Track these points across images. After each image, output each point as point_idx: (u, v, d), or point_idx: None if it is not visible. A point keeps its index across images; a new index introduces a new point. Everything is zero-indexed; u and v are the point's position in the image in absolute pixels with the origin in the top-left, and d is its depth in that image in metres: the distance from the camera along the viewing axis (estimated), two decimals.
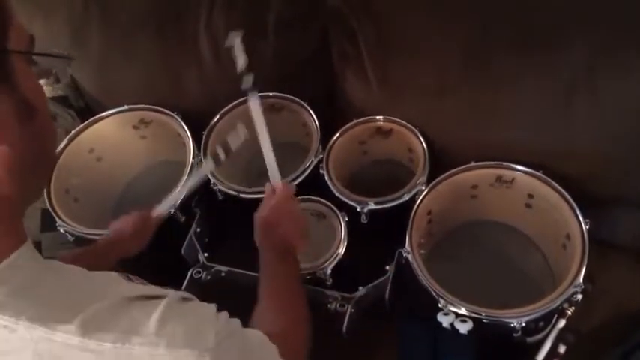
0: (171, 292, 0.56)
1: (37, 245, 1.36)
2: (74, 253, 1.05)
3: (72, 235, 1.20)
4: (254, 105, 1.02)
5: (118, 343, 0.49)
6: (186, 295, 0.59)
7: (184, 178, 1.21)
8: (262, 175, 1.21)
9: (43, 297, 0.50)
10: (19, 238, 0.52)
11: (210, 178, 1.25)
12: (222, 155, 1.04)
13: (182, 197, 1.18)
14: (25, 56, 0.53)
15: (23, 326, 0.48)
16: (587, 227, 1.00)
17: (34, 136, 0.53)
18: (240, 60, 0.98)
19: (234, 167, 1.38)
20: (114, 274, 0.60)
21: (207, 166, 1.13)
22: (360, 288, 1.11)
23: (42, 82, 1.46)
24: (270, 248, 0.91)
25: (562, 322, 1.01)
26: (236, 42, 0.99)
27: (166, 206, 1.14)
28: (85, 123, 1.39)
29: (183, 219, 1.24)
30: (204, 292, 1.16)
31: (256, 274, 1.15)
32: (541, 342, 1.02)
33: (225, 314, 0.60)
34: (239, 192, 1.22)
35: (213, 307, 0.59)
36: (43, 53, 0.55)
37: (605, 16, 1.02)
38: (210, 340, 0.52)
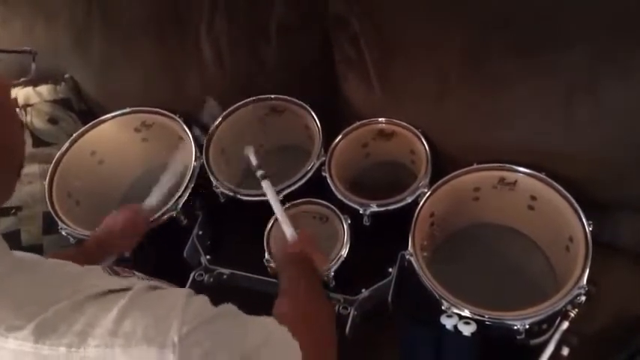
0: (138, 283, 0.53)
1: (39, 248, 1.36)
2: (66, 253, 1.04)
3: (74, 237, 1.20)
4: (268, 191, 1.12)
5: (73, 347, 0.46)
6: (156, 283, 0.55)
7: (170, 170, 1.21)
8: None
9: (5, 300, 0.48)
10: None
11: (213, 180, 1.25)
12: (197, 132, 1.15)
13: (168, 188, 1.18)
14: None
15: None
16: (591, 229, 1.00)
17: None
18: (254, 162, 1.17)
19: (236, 170, 1.38)
20: (94, 268, 0.57)
21: (186, 150, 1.16)
22: (363, 290, 1.11)
23: (43, 86, 1.47)
24: (290, 262, 0.95)
25: (565, 325, 1.01)
26: (250, 152, 1.18)
27: (154, 198, 1.14)
28: (86, 126, 1.39)
29: (185, 222, 1.24)
30: (206, 294, 1.16)
31: (258, 277, 1.16)
32: (544, 344, 1.02)
33: (201, 299, 0.55)
34: (241, 194, 1.22)
35: (183, 293, 0.54)
36: (2, 50, 0.54)
37: (605, 18, 1.02)
38: (173, 334, 0.47)
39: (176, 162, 1.20)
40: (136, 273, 0.64)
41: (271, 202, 1.10)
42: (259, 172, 1.14)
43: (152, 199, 1.15)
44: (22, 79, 1.42)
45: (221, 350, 0.51)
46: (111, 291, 0.51)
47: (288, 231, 1.04)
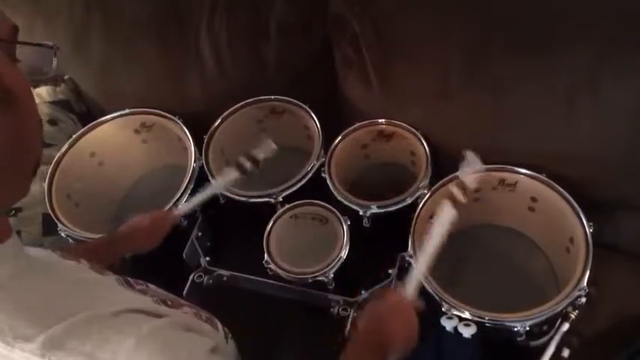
0: (173, 314, 0.51)
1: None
2: (92, 244, 1.03)
3: (73, 239, 1.20)
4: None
5: None
6: (190, 322, 0.53)
7: (213, 180, 1.21)
8: (261, 181, 1.22)
9: (16, 304, 0.47)
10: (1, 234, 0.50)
11: (213, 181, 1.24)
12: (247, 165, 1.12)
13: (205, 199, 1.15)
14: (6, 46, 0.50)
15: None
16: (591, 231, 1.00)
17: (12, 126, 0.50)
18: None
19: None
20: (108, 279, 0.56)
21: (233, 173, 1.14)
22: (363, 292, 1.11)
23: (43, 87, 1.47)
24: (368, 332, 0.83)
25: (566, 326, 1.01)
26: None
27: (191, 205, 1.14)
28: (86, 127, 1.39)
29: (185, 223, 1.24)
30: (205, 296, 1.16)
31: (258, 278, 1.16)
32: (545, 346, 1.01)
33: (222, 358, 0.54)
34: (241, 196, 1.22)
35: (208, 345, 0.53)
36: (24, 42, 0.52)
37: (607, 19, 1.02)
38: None
39: (221, 181, 1.19)
40: (150, 286, 0.63)
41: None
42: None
43: (189, 206, 1.15)
44: (38, 77, 1.42)
45: None
46: (135, 310, 0.49)
47: (412, 284, 0.89)
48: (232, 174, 1.15)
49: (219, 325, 0.69)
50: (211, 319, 0.69)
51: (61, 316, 0.46)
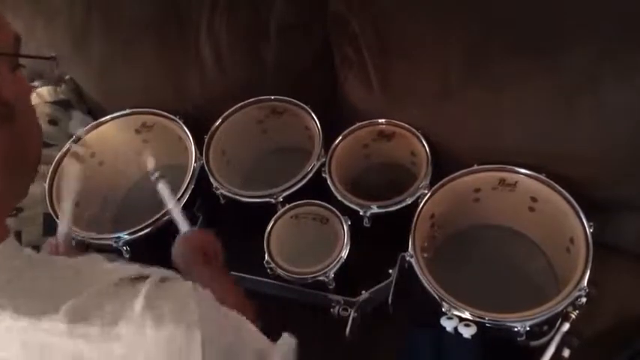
0: (153, 272, 0.56)
1: (39, 250, 1.36)
2: None
3: (73, 239, 1.20)
4: (165, 192, 1.14)
5: (106, 325, 0.49)
6: (167, 273, 0.58)
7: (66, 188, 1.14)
8: (262, 181, 1.22)
9: (28, 290, 0.50)
10: (1, 235, 0.52)
11: (213, 182, 1.24)
12: (80, 150, 1.12)
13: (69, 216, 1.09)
14: (7, 57, 0.52)
15: (9, 317, 0.48)
16: (592, 231, 1.00)
17: (14, 137, 0.52)
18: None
19: (236, 172, 1.38)
20: (98, 257, 0.60)
21: (71, 165, 1.12)
22: (363, 292, 1.11)
23: (44, 88, 1.47)
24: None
25: (566, 326, 1.01)
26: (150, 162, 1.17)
27: (63, 229, 1.07)
28: (86, 127, 1.38)
29: None
30: None
31: (258, 278, 1.16)
32: (545, 346, 1.01)
33: (201, 289, 0.60)
34: (241, 196, 1.22)
35: (187, 282, 0.59)
36: (26, 55, 0.54)
37: (607, 19, 1.01)
38: (194, 313, 0.52)
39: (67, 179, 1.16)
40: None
41: (168, 203, 1.12)
42: (155, 175, 1.14)
43: (61, 230, 1.08)
44: (37, 82, 1.43)
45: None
46: (130, 278, 0.54)
47: (184, 226, 1.07)
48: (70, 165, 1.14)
49: None
50: None
51: (73, 292, 0.50)
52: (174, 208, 1.11)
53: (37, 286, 0.51)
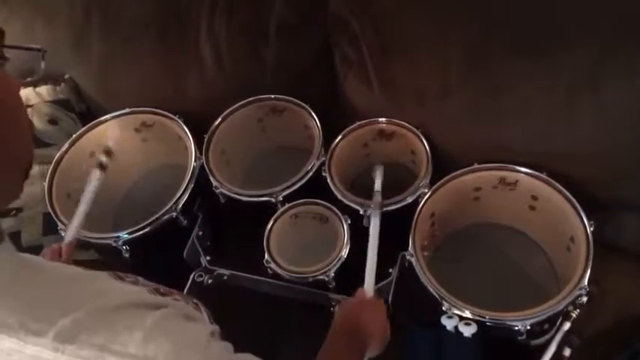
0: (171, 304, 0.53)
1: (39, 249, 1.35)
2: None
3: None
4: (375, 222, 1.06)
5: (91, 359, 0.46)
6: (188, 310, 0.55)
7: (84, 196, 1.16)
8: (261, 180, 1.21)
9: (20, 302, 0.47)
10: None
11: (213, 181, 1.24)
12: (104, 159, 1.16)
13: (82, 217, 1.11)
14: None
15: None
16: (592, 229, 1.00)
17: (1, 134, 0.50)
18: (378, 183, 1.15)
19: (236, 171, 1.38)
20: (104, 274, 0.57)
21: (95, 175, 1.15)
22: None
23: (43, 87, 1.46)
24: (344, 325, 0.86)
25: (567, 325, 1.01)
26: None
27: (71, 231, 1.08)
28: (86, 126, 1.39)
29: (185, 222, 1.24)
30: (206, 295, 1.15)
31: (258, 277, 1.16)
32: (546, 345, 1.01)
33: (222, 343, 0.56)
34: (241, 195, 1.22)
35: (208, 330, 0.55)
36: (10, 46, 0.52)
37: (607, 18, 1.02)
38: None
39: (88, 194, 1.16)
40: (139, 278, 0.64)
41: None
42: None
43: (70, 232, 1.09)
44: (29, 79, 1.42)
45: None
46: (136, 305, 0.51)
47: (370, 281, 0.96)
48: (94, 177, 1.15)
49: (205, 315, 0.71)
50: (199, 305, 0.71)
51: (65, 310, 0.47)
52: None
53: (30, 299, 0.48)
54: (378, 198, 1.11)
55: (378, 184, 1.14)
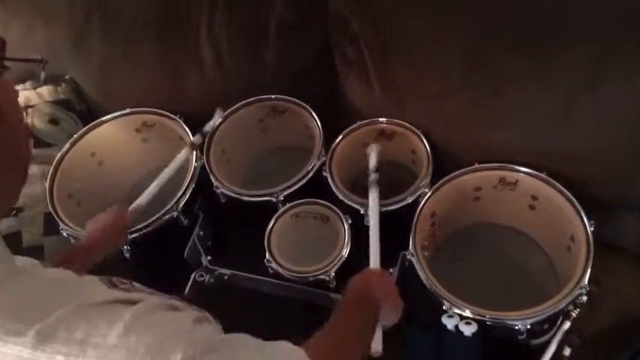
0: (149, 298, 0.52)
1: (40, 249, 1.36)
2: (66, 254, 1.03)
3: (75, 238, 1.20)
4: (373, 197, 1.10)
5: (71, 356, 0.45)
6: (171, 302, 0.55)
7: (165, 171, 1.22)
8: (261, 180, 1.21)
9: (2, 303, 0.47)
10: None
11: (214, 181, 1.24)
12: (197, 140, 1.23)
13: (158, 190, 1.19)
14: None
15: None
16: (592, 229, 1.00)
17: (1, 139, 0.51)
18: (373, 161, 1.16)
19: (236, 171, 1.38)
20: (90, 277, 0.57)
21: (184, 154, 1.22)
22: None
23: (44, 87, 1.47)
24: (357, 296, 0.86)
25: (567, 325, 1.01)
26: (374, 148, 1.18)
27: (144, 199, 1.17)
28: (86, 127, 1.39)
29: (186, 222, 1.24)
30: (207, 295, 1.16)
31: (259, 277, 1.16)
32: (546, 345, 1.01)
33: (208, 326, 0.55)
34: (242, 195, 1.22)
35: (191, 316, 0.54)
36: (12, 58, 0.53)
37: (607, 19, 1.02)
38: (177, 355, 0.47)
39: (171, 168, 1.22)
40: (135, 284, 0.64)
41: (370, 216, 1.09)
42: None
43: (142, 200, 1.17)
44: (28, 83, 1.43)
45: None
46: (117, 301, 0.50)
47: (375, 258, 0.98)
48: (182, 155, 1.23)
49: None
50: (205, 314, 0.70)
51: (48, 310, 0.47)
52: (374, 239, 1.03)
53: (14, 298, 0.48)
54: (373, 163, 1.14)
55: (373, 161, 1.15)
